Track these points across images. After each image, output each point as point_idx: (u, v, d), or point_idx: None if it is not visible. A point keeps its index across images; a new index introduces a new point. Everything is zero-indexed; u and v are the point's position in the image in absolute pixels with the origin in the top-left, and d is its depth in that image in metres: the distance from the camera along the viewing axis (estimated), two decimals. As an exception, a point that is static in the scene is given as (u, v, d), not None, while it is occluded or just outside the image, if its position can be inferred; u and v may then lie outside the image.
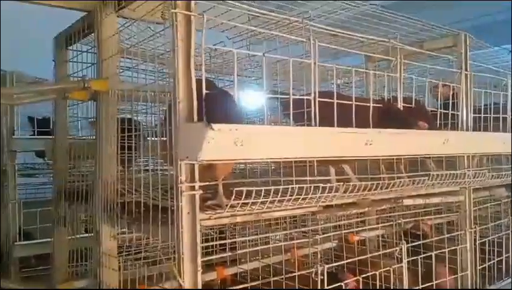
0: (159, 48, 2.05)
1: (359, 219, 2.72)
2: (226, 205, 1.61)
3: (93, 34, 2.32)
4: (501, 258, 2.92)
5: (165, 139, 1.69)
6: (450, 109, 2.46)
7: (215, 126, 1.34)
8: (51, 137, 2.84)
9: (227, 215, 1.63)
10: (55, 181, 2.65)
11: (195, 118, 1.49)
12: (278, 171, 2.45)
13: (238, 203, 1.57)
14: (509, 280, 2.95)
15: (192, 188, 1.52)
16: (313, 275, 1.89)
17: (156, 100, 2.01)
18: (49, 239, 2.66)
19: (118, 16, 2.05)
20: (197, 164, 1.51)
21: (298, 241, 2.39)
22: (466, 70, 2.62)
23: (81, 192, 2.33)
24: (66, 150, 2.63)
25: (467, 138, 2.36)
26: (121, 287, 2.07)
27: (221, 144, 1.39)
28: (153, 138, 2.16)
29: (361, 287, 2.05)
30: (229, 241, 2.33)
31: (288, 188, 1.65)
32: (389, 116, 2.03)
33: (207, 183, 1.57)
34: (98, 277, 2.08)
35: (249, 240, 2.42)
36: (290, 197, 1.66)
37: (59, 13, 2.19)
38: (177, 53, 1.49)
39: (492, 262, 2.82)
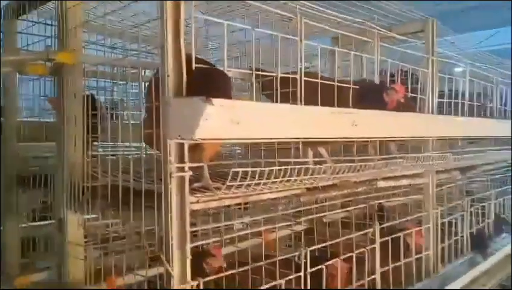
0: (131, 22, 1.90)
1: (327, 203, 2.71)
2: (216, 188, 1.51)
3: (50, 4, 2.11)
4: (457, 237, 3.05)
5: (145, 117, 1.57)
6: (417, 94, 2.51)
7: (216, 101, 1.24)
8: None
9: (215, 198, 1.53)
10: (3, 165, 2.41)
11: (185, 93, 1.38)
12: (255, 154, 2.39)
13: (225, 185, 1.48)
14: (465, 258, 3.09)
15: (182, 169, 1.41)
16: (296, 259, 1.85)
17: (127, 77, 1.86)
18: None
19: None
20: (187, 143, 1.40)
21: (268, 227, 2.32)
22: (433, 56, 2.67)
23: (38, 177, 2.13)
24: (16, 131, 2.41)
25: (442, 122, 2.41)
26: (88, 279, 1.92)
27: (218, 121, 1.29)
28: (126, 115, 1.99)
29: (347, 269, 2.04)
30: (201, 228, 2.22)
31: (274, 170, 1.58)
32: (368, 91, 2.03)
33: (198, 164, 1.46)
34: (62, 268, 1.91)
35: (219, 227, 2.33)
36: (278, 179, 1.59)
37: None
38: (166, 21, 1.37)
39: (450, 241, 2.93)
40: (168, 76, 1.37)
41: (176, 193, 1.40)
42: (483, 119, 3.05)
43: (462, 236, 3.10)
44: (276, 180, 1.52)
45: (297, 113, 1.53)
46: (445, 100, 2.81)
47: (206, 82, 1.44)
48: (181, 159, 1.41)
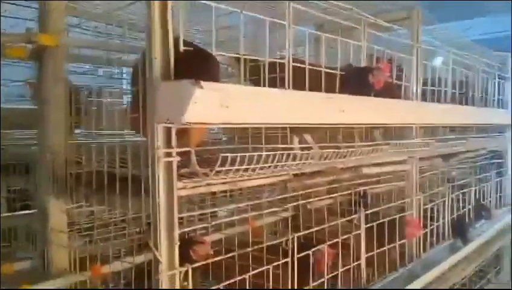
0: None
1: (312, 190, 2.72)
2: (204, 174, 1.49)
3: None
4: (438, 224, 3.09)
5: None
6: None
7: (205, 84, 1.21)
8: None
9: (203, 184, 1.51)
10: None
11: (173, 76, 1.35)
12: (242, 142, 2.37)
13: (214, 171, 1.46)
14: (446, 243, 3.15)
15: (169, 154, 1.39)
16: (284, 245, 1.85)
17: (112, 62, 1.81)
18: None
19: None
20: (175, 128, 1.38)
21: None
22: (417, 43, 2.69)
23: (18, 164, 2.08)
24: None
25: (427, 109, 2.43)
26: (72, 267, 1.88)
27: (207, 105, 1.27)
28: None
29: (333, 255, 2.04)
30: (188, 214, 2.20)
31: (262, 156, 1.56)
32: (354, 74, 2.03)
33: (185, 149, 1.44)
34: (45, 257, 1.87)
35: (205, 214, 2.31)
36: (266, 165, 1.57)
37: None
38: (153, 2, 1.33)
39: (432, 227, 2.98)
40: (155, 58, 1.34)
41: (164, 178, 1.38)
42: (466, 107, 3.09)
43: (443, 222, 3.16)
44: (264, 165, 1.51)
45: (287, 98, 1.52)
46: (428, 88, 2.84)
47: (195, 65, 1.41)
48: (168, 144, 1.39)
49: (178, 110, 1.25)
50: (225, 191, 2.49)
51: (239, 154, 1.41)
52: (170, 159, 1.38)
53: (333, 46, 2.40)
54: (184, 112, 1.23)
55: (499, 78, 4.11)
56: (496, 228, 3.88)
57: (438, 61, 3.27)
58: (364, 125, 2.25)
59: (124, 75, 2.20)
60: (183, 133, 1.54)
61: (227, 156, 1.38)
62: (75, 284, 1.76)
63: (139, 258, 1.69)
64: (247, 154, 1.43)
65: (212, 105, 1.28)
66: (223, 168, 1.40)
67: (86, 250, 1.84)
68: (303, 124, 1.73)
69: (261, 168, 1.53)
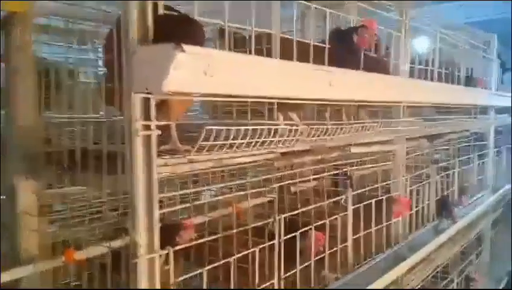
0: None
1: (295, 171, 2.63)
2: (186, 151, 1.38)
3: None
4: (423, 205, 3.06)
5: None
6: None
7: (188, 48, 1.09)
8: None
9: (185, 161, 1.40)
10: None
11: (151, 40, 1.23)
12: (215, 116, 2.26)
13: (197, 147, 1.36)
14: (430, 225, 3.12)
15: (148, 127, 1.27)
16: (270, 226, 1.76)
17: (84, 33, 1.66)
18: None
19: None
20: (153, 98, 1.26)
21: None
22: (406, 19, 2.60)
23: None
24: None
25: (416, 86, 2.36)
26: (41, 251, 1.75)
27: (189, 72, 1.15)
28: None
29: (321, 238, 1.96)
30: (167, 195, 2.08)
31: (249, 130, 1.46)
32: (337, 36, 1.94)
33: (165, 123, 1.32)
34: (13, 241, 1.74)
35: (186, 195, 2.20)
36: (253, 140, 1.47)
37: None
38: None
39: (418, 208, 2.94)
40: (132, 21, 1.21)
41: (142, 153, 1.26)
42: (454, 86, 3.03)
43: (428, 203, 3.13)
44: (251, 140, 1.40)
45: (276, 67, 1.41)
46: (416, 66, 2.77)
47: (177, 30, 1.28)
48: (147, 117, 1.27)
49: (157, 78, 1.13)
50: (206, 172, 2.38)
51: (224, 128, 1.30)
52: (149, 132, 1.26)
53: (320, 25, 2.30)
54: (163, 79, 1.11)
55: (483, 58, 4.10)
56: (479, 210, 3.89)
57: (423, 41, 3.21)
58: (352, 103, 2.16)
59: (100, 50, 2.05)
60: (163, 106, 1.42)
61: (211, 130, 1.27)
62: (47, 271, 1.63)
63: (116, 243, 1.57)
64: (233, 128, 1.32)
65: (196, 73, 1.16)
66: (207, 143, 1.29)
67: (58, 234, 1.71)
68: (291, 99, 1.62)
69: (247, 145, 1.42)
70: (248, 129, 1.37)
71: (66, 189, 1.79)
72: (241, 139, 1.36)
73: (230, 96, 1.38)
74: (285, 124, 1.60)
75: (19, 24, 1.67)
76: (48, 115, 1.84)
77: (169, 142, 1.48)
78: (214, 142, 1.31)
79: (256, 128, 1.41)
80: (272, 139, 1.46)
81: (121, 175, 1.30)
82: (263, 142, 1.45)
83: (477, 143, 4.58)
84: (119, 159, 1.30)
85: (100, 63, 1.90)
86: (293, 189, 2.66)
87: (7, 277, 1.61)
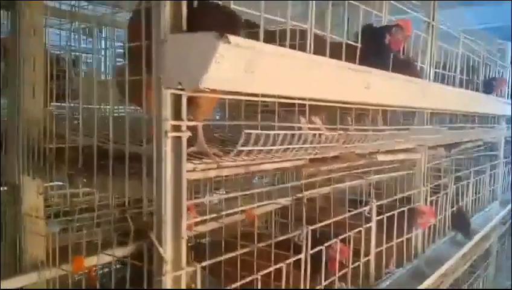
0: None
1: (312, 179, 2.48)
2: (215, 155, 1.24)
3: None
4: (441, 216, 2.93)
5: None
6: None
7: (233, 39, 0.95)
8: None
9: (214, 166, 1.26)
10: None
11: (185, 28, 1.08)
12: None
13: (236, 150, 1.21)
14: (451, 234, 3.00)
15: (178, 128, 1.12)
16: (296, 239, 1.62)
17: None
18: None
19: None
20: (185, 95, 1.11)
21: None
22: (433, 21, 2.48)
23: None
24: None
25: (447, 93, 2.23)
26: (49, 257, 1.60)
27: (231, 67, 1.01)
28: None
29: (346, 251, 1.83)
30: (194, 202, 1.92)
31: (287, 135, 1.31)
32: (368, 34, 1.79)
33: (194, 123, 1.18)
34: (18, 246, 1.59)
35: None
36: (291, 146, 1.32)
37: None
38: None
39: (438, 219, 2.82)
40: (164, 6, 1.06)
41: (172, 157, 1.12)
42: (476, 94, 2.91)
43: (445, 215, 3.00)
44: (289, 146, 1.26)
45: (315, 65, 1.26)
46: (439, 71, 2.65)
47: (211, 21, 1.14)
48: (177, 116, 1.12)
49: (194, 72, 0.99)
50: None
51: (264, 132, 1.16)
52: (179, 134, 1.12)
53: (338, 24, 2.16)
54: (203, 73, 0.97)
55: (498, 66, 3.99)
56: (492, 223, 3.78)
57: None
58: (386, 108, 2.02)
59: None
60: (190, 104, 1.27)
61: (250, 133, 1.13)
62: (53, 279, 1.48)
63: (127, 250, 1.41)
64: (272, 132, 1.18)
65: (237, 68, 1.02)
66: (246, 148, 1.14)
67: (66, 238, 1.56)
68: (322, 101, 1.48)
69: (284, 150, 1.28)
70: (287, 134, 1.23)
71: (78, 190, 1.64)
72: (280, 144, 1.22)
73: (271, 96, 1.24)
74: (326, 129, 1.46)
75: (27, 4, 1.53)
76: (59, 108, 1.69)
77: (195, 144, 1.34)
78: (252, 148, 1.17)
79: (295, 134, 1.27)
80: (314, 145, 1.32)
81: (144, 180, 1.16)
82: (301, 148, 1.31)
83: (489, 153, 4.47)
84: (143, 163, 1.15)
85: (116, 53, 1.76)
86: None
87: (7, 285, 1.45)
